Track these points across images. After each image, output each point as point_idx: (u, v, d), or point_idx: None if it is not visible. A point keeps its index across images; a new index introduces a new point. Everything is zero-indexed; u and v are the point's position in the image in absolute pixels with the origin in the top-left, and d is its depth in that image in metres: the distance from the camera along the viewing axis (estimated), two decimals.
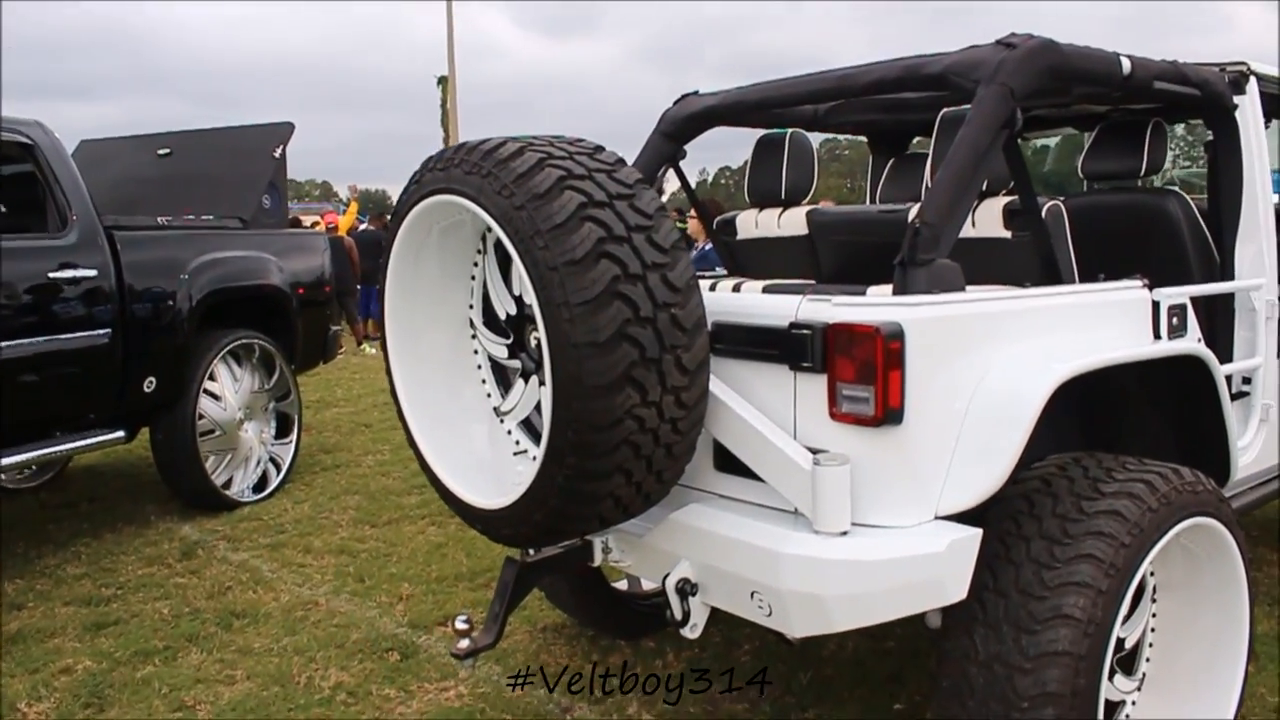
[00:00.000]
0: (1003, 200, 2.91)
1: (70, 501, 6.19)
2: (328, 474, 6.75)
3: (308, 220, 12.73)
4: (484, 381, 2.77)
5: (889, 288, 2.45)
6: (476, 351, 2.77)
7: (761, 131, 3.72)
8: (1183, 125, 4.80)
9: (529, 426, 2.69)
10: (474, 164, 2.30)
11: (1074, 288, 2.80)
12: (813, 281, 3.55)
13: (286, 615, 4.28)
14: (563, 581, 3.62)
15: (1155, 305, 2.89)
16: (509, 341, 2.66)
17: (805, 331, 2.32)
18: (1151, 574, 2.66)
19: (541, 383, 2.21)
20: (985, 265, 2.86)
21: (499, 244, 2.24)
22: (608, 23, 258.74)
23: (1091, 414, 3.04)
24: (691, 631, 2.58)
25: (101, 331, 5.04)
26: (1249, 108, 3.41)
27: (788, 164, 3.59)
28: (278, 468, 6.30)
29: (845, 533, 2.26)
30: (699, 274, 2.59)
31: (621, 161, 2.36)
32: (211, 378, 5.77)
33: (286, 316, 6.30)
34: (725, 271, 4.05)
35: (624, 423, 2.17)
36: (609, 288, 2.12)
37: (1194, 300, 3.06)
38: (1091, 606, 2.26)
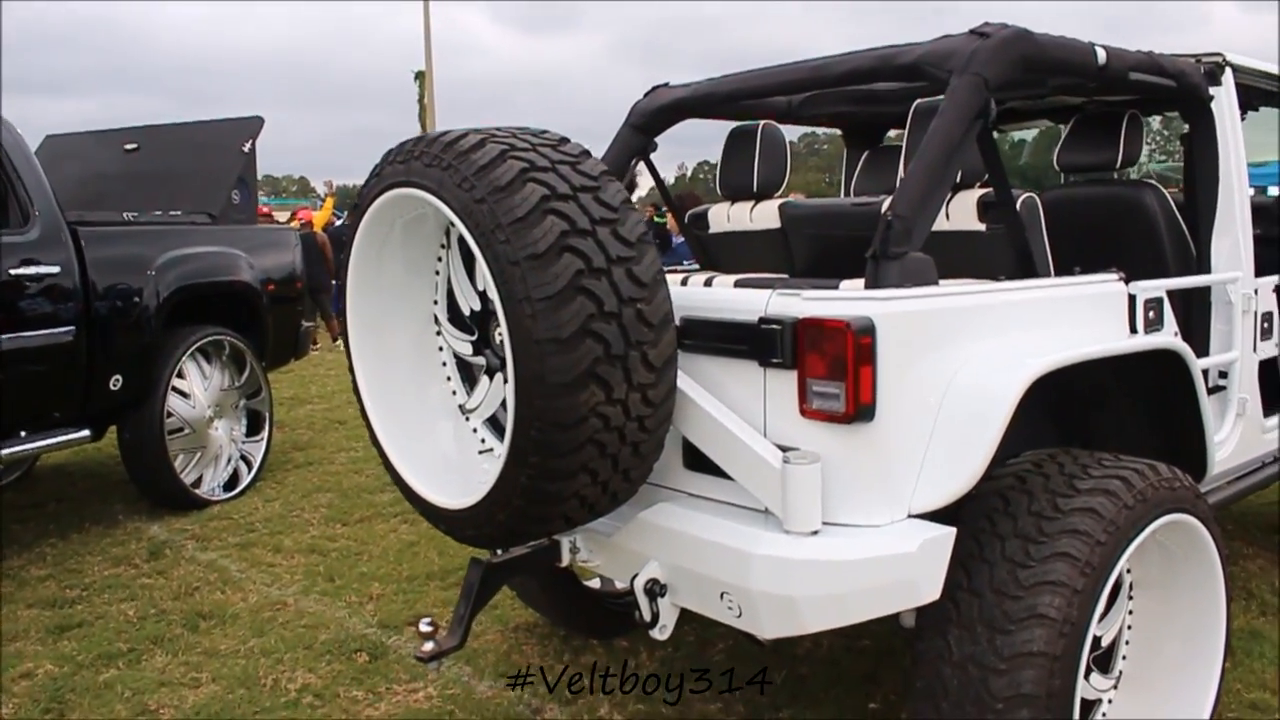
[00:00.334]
0: (977, 193, 2.88)
1: (37, 502, 6.08)
2: (300, 471, 6.66)
3: (281, 216, 12.59)
4: (449, 379, 2.71)
5: (862, 281, 2.40)
6: (441, 348, 2.71)
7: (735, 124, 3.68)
8: (1159, 119, 4.79)
9: (495, 424, 2.63)
10: (434, 156, 2.24)
11: (1049, 281, 2.77)
12: (786, 276, 3.51)
13: (254, 616, 4.21)
14: (534, 580, 3.56)
15: (1131, 299, 2.86)
16: (474, 338, 2.60)
17: (775, 326, 2.27)
18: (1128, 571, 2.64)
19: (506, 380, 2.16)
20: (959, 259, 2.82)
21: (463, 238, 2.19)
22: (587, 20, 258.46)
23: (1067, 409, 3.01)
24: (660, 633, 2.53)
25: (65, 329, 4.95)
26: (1225, 99, 3.39)
27: (760, 157, 3.54)
28: (249, 466, 6.22)
29: (816, 532, 2.21)
30: (671, 268, 2.54)
31: (586, 153, 2.30)
32: (180, 375, 5.68)
33: (257, 313, 6.21)
34: (698, 266, 4.00)
35: (588, 421, 2.12)
36: (572, 282, 2.07)
37: (1170, 294, 3.04)
38: (1067, 606, 2.22)
